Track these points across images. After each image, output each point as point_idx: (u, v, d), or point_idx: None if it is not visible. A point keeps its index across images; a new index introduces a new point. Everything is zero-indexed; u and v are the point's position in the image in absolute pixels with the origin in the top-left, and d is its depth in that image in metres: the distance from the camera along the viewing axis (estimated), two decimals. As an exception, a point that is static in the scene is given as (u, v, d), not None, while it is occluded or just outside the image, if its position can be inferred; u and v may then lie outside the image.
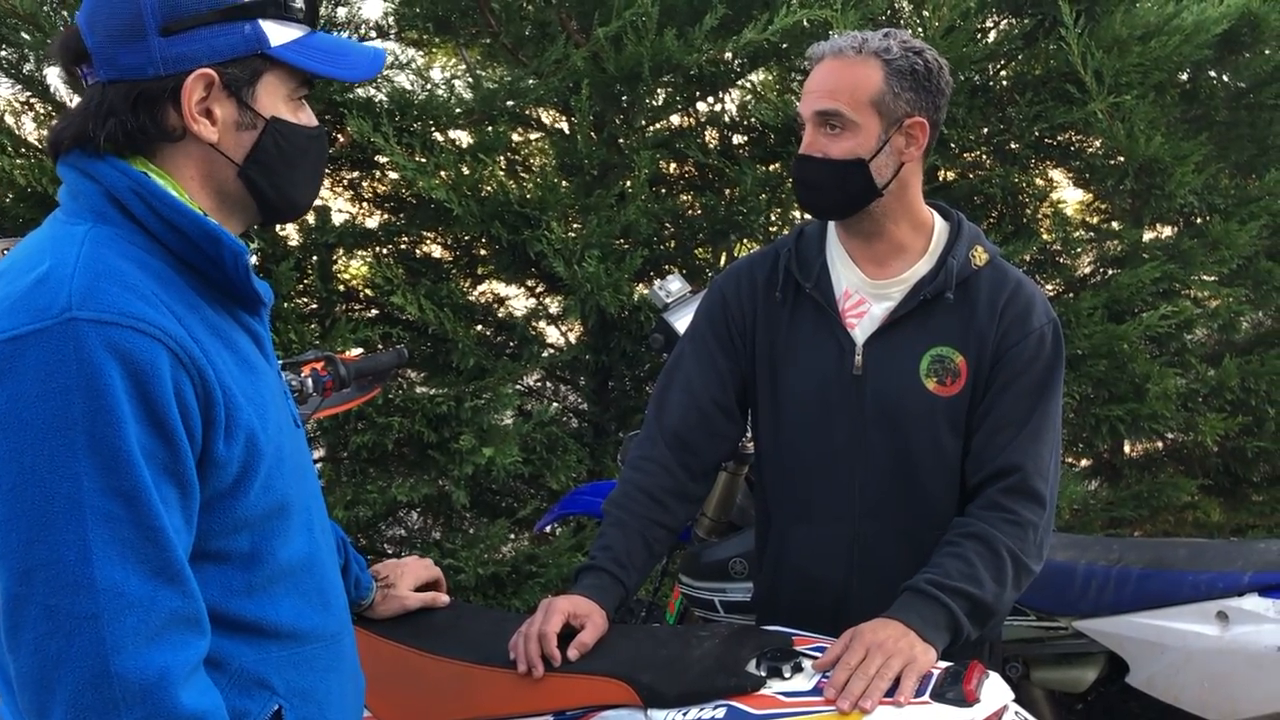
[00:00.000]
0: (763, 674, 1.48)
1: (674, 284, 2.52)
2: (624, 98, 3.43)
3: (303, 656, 1.22)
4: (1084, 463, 4.45)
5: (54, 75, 3.34)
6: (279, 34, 1.17)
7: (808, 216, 1.90)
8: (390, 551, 3.47)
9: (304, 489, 1.26)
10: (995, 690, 1.43)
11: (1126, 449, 4.37)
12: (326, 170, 3.43)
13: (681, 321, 2.39)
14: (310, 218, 3.38)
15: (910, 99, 1.71)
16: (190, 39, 1.12)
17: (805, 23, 3.26)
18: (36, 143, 3.06)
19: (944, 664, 1.50)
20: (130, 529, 1.02)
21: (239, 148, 1.18)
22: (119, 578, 1.01)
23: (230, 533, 1.13)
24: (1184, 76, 4.12)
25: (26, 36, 3.01)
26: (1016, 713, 1.46)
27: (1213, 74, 4.27)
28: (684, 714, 1.46)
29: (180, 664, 1.04)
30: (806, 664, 1.50)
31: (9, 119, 3.23)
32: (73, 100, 3.20)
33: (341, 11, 3.32)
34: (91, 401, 1.01)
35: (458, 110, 3.30)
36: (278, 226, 3.32)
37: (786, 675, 1.48)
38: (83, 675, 1.00)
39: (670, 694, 1.48)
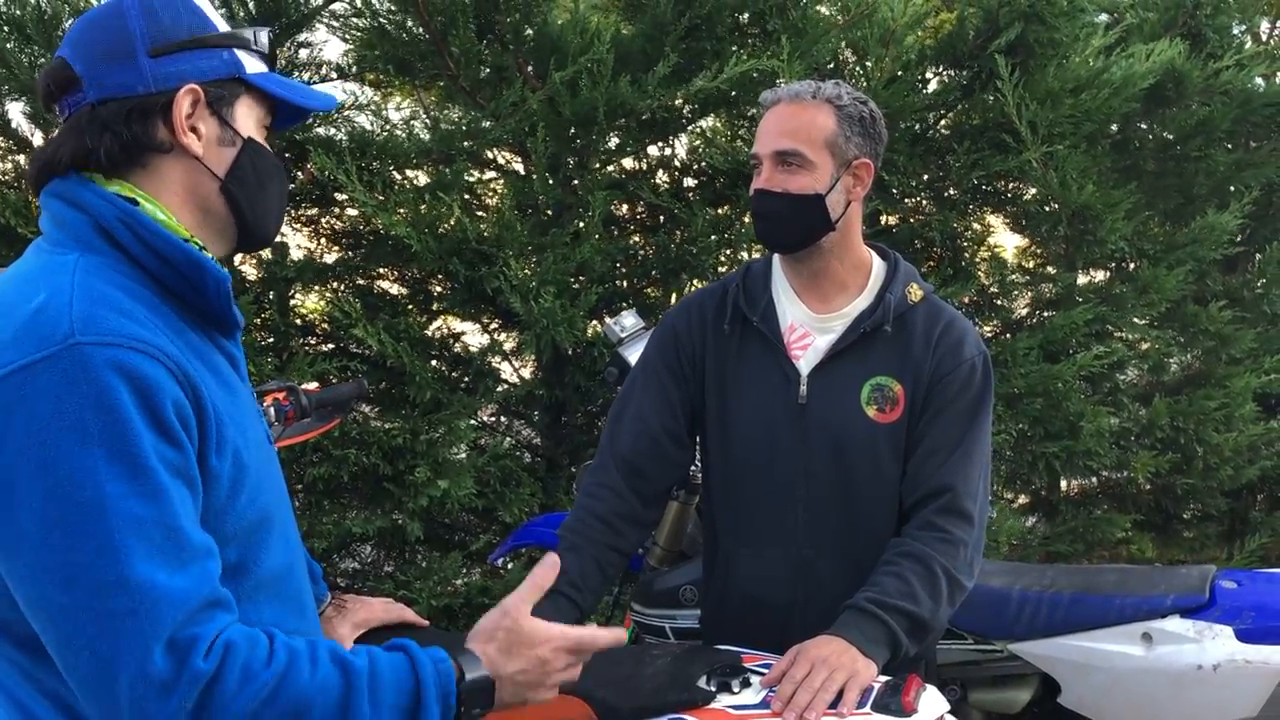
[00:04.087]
0: (713, 689, 1.54)
1: (628, 319, 2.60)
2: (578, 140, 3.52)
3: None
4: (1022, 499, 4.57)
5: (15, 111, 3.37)
6: (251, 64, 1.29)
7: (755, 255, 1.99)
8: (343, 585, 3.49)
9: (280, 502, 1.32)
10: (932, 702, 1.52)
11: (1063, 486, 4.50)
12: (287, 206, 3.49)
13: (636, 355, 2.46)
14: (267, 253, 3.42)
15: (859, 143, 1.83)
16: (176, 60, 1.23)
17: (754, 72, 3.38)
18: (-1, 176, 3.08)
19: (884, 678, 1.57)
20: (156, 529, 1.07)
21: (221, 163, 1.27)
22: (151, 574, 1.06)
23: (220, 545, 1.17)
24: (1114, 128, 4.31)
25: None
26: (952, 724, 1.54)
27: (1142, 126, 4.47)
28: (638, 728, 1.52)
29: (209, 635, 1.09)
30: (754, 679, 1.57)
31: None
32: (34, 135, 3.22)
33: (304, 53, 3.39)
34: (105, 415, 1.06)
35: (416, 151, 3.37)
36: (236, 260, 3.36)
37: (735, 690, 1.54)
38: (134, 668, 1.05)
39: (625, 709, 1.54)
